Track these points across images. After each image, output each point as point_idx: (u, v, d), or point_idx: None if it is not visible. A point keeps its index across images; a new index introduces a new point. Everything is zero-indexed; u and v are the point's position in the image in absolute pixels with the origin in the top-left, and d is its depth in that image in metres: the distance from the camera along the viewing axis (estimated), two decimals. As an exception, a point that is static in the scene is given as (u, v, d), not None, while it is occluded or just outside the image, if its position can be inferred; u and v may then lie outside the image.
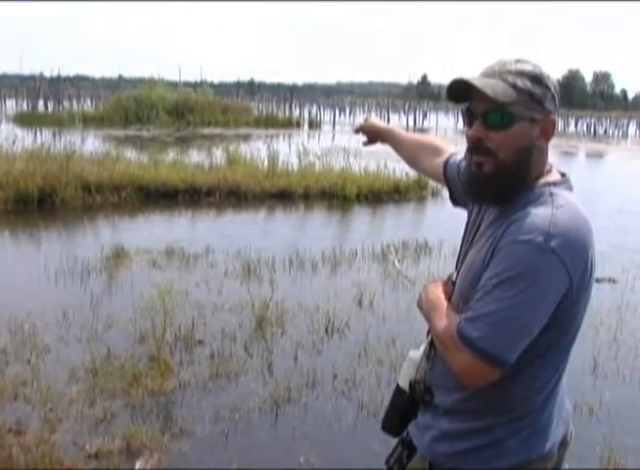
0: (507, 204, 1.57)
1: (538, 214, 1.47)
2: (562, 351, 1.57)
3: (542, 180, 1.56)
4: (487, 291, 1.46)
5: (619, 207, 13.21)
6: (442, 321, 1.56)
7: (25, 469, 3.38)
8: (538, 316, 1.44)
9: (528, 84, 1.52)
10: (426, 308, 1.66)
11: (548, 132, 1.56)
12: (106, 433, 3.78)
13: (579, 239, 1.46)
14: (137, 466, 3.44)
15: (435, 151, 2.07)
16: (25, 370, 4.57)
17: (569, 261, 1.43)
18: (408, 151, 2.19)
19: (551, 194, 1.52)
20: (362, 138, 2.34)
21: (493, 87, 1.51)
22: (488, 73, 1.56)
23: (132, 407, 4.14)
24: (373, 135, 2.30)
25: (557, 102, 1.58)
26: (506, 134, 1.53)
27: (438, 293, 1.67)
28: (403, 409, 1.76)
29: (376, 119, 2.35)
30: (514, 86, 1.52)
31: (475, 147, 1.57)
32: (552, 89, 1.56)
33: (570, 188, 1.58)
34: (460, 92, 1.56)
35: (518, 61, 1.56)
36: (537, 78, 1.54)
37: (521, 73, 1.53)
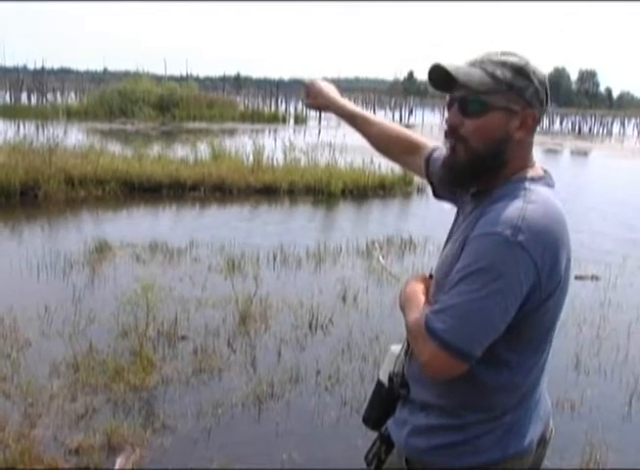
0: (481, 194, 1.57)
1: (509, 208, 1.45)
2: (538, 349, 1.56)
3: (520, 175, 1.55)
4: (454, 284, 1.45)
5: (604, 203, 13.29)
6: (414, 314, 1.56)
7: (4, 466, 3.34)
8: (503, 310, 1.42)
9: (509, 75, 1.51)
10: (402, 302, 1.67)
11: (528, 125, 1.54)
12: (87, 428, 3.75)
13: (549, 234, 1.44)
14: (118, 463, 3.41)
15: (414, 144, 2.03)
16: (6, 365, 4.52)
17: (537, 256, 1.42)
18: (381, 138, 2.06)
19: (525, 189, 1.50)
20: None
21: (468, 74, 1.50)
22: (471, 62, 1.55)
23: (114, 403, 4.11)
24: (324, 102, 2.10)
25: (542, 97, 1.55)
26: (479, 122, 1.52)
27: (416, 287, 1.67)
28: (383, 403, 1.76)
29: (328, 88, 2.11)
30: (492, 75, 1.50)
31: (450, 132, 1.57)
32: (536, 83, 1.53)
33: (548, 185, 1.57)
34: (443, 79, 1.55)
35: (504, 53, 1.55)
36: (520, 70, 1.52)
37: (503, 64, 1.52)
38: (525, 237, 1.40)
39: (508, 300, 1.42)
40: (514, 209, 1.45)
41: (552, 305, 1.51)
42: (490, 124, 1.52)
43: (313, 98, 2.12)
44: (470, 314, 1.42)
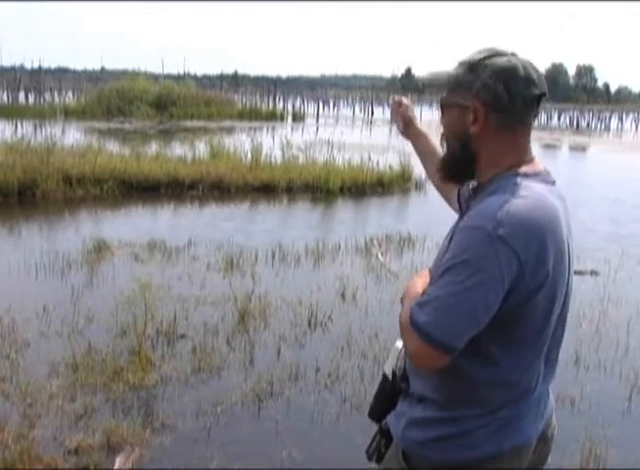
0: (477, 190, 1.62)
1: (494, 202, 1.47)
2: (533, 346, 1.55)
3: (513, 171, 1.55)
4: (440, 275, 1.48)
5: (604, 199, 13.29)
6: (404, 306, 1.58)
7: (3, 466, 3.33)
8: (485, 302, 1.43)
9: (460, 71, 1.57)
10: (402, 296, 1.69)
11: (480, 119, 1.55)
12: (86, 428, 3.75)
13: (533, 228, 1.44)
14: (117, 462, 3.40)
15: None
16: (5, 365, 4.51)
17: (519, 249, 1.42)
18: (431, 161, 2.06)
19: (515, 184, 1.51)
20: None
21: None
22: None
23: (113, 402, 4.10)
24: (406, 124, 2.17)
25: (494, 91, 1.52)
26: (444, 120, 1.64)
27: (416, 281, 1.69)
28: (387, 396, 1.77)
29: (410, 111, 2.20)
30: (449, 74, 1.59)
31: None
32: (485, 77, 1.53)
33: (544, 181, 1.56)
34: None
35: (480, 51, 1.59)
36: (472, 66, 1.56)
37: (463, 62, 1.58)
38: (506, 231, 1.41)
39: (489, 293, 1.43)
40: (499, 202, 1.46)
41: (541, 300, 1.49)
42: (450, 121, 1.62)
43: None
44: (452, 307, 1.43)
